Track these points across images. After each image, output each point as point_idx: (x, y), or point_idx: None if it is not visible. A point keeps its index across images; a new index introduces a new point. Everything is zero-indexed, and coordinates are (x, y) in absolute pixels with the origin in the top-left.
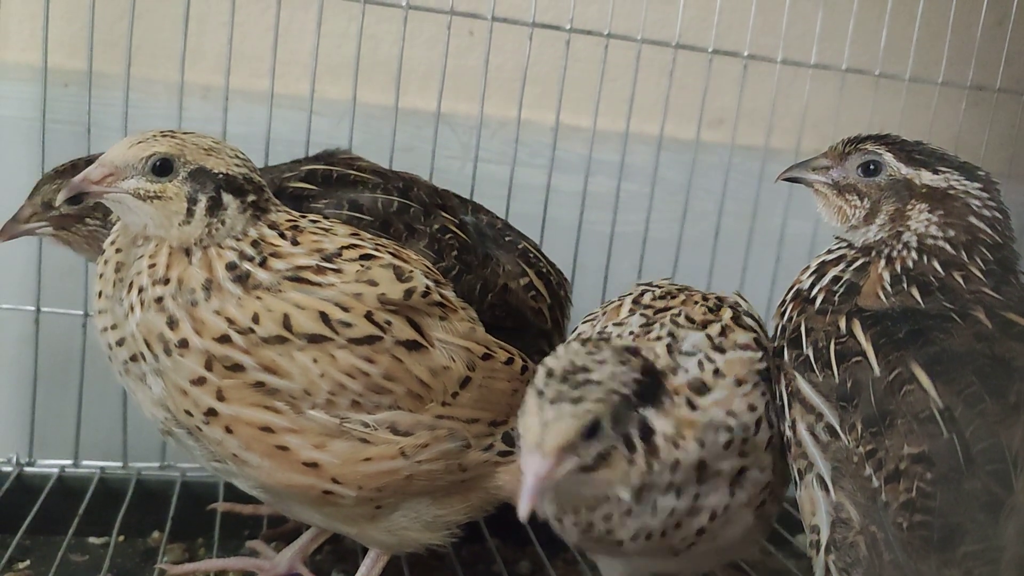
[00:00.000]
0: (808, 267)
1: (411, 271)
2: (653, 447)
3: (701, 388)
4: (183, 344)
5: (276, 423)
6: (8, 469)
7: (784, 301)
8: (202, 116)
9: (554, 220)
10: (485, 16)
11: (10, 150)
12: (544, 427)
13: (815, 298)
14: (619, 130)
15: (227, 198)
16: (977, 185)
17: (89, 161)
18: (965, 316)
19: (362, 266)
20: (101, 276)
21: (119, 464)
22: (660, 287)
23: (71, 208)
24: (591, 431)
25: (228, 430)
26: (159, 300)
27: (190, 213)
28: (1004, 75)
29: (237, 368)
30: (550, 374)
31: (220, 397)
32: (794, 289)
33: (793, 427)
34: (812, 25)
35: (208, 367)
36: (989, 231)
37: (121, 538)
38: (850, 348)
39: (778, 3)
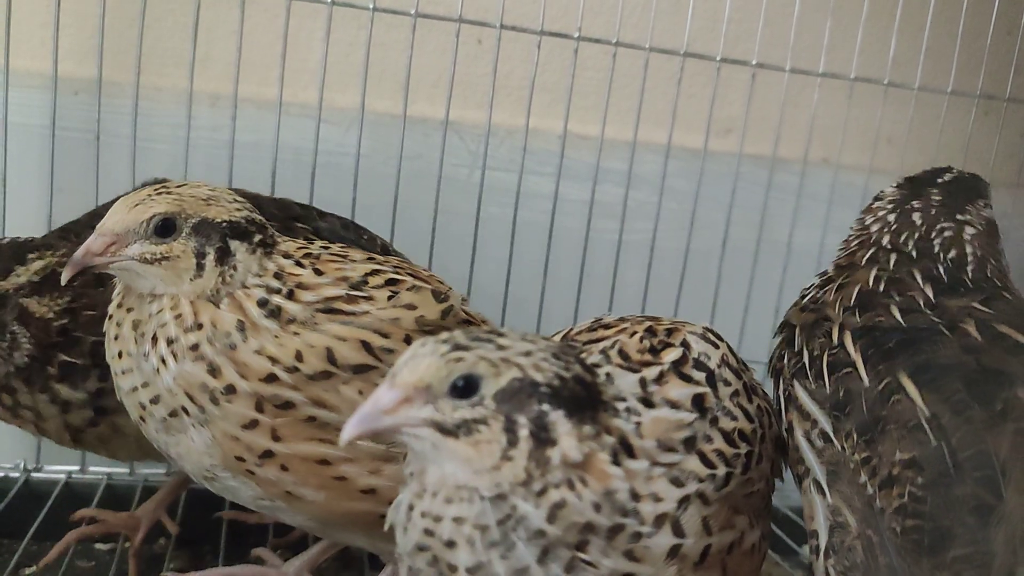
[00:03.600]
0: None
1: (447, 291)
2: (544, 459)
3: (629, 449)
4: (230, 390)
5: (332, 455)
6: (16, 475)
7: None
8: (211, 124)
9: (562, 228)
10: (494, 24)
11: (21, 157)
12: (408, 360)
13: (805, 295)
14: (627, 139)
15: (234, 244)
16: (892, 187)
17: None
18: (954, 328)
19: (391, 292)
20: (117, 337)
21: (126, 471)
22: (598, 322)
23: None
24: (463, 388)
25: (283, 468)
26: (195, 347)
27: (200, 267)
28: (1014, 84)
29: (288, 406)
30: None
31: (275, 437)
32: (801, 295)
33: (790, 431)
34: (821, 34)
35: (259, 409)
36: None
37: (127, 544)
38: (841, 359)
39: (787, 12)
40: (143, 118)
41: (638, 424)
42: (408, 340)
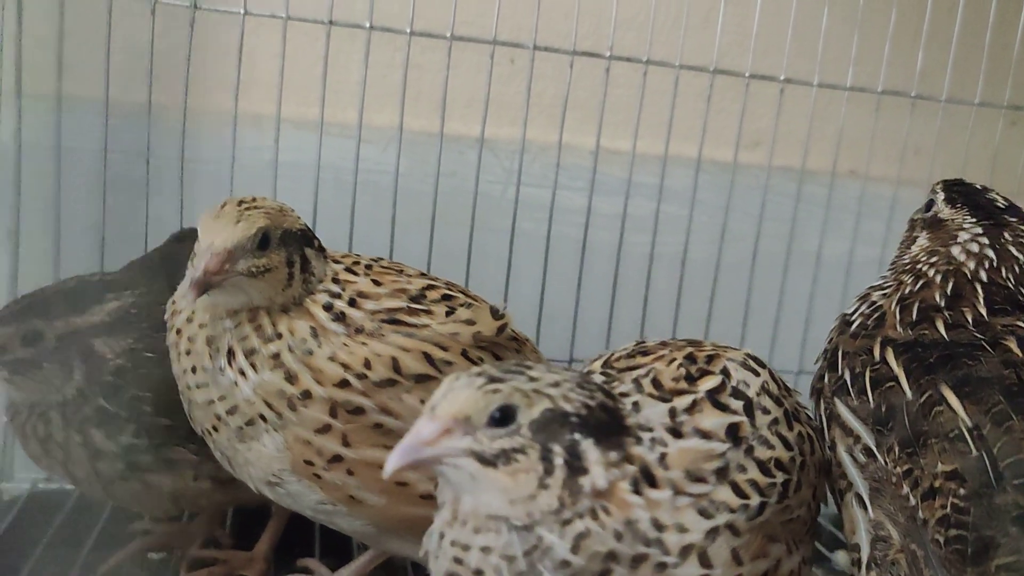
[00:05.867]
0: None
1: (504, 309)
2: (576, 488)
3: (651, 479)
4: (306, 396)
5: None
6: (71, 488)
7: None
8: (254, 144)
9: (594, 242)
10: (527, 45)
11: (74, 180)
12: (446, 393)
13: (853, 322)
14: (658, 153)
15: (308, 251)
16: (972, 220)
17: None
18: (996, 344)
19: (448, 307)
20: (189, 352)
21: None
22: (639, 346)
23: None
24: (501, 418)
25: (349, 472)
26: (276, 356)
27: (290, 276)
28: None
29: (359, 411)
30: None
31: (346, 442)
32: (841, 314)
33: (833, 448)
34: (848, 48)
35: (333, 414)
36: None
37: (179, 555)
38: (883, 374)
39: (814, 27)
40: (190, 140)
41: (663, 455)
42: (465, 354)
